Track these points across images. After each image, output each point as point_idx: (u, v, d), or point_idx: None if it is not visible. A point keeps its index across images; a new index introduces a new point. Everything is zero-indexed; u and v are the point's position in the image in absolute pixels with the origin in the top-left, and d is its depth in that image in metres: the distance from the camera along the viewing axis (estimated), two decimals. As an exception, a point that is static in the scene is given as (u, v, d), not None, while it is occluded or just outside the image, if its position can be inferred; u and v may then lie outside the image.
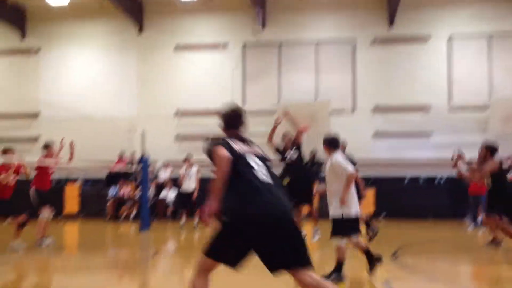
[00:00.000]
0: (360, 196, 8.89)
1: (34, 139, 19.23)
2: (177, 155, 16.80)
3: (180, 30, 19.98)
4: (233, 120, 4.41)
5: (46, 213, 9.70)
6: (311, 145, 18.70)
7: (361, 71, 19.07)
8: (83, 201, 18.51)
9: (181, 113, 19.66)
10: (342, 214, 6.35)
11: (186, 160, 14.50)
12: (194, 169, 14.36)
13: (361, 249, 6.60)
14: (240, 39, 19.72)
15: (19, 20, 20.11)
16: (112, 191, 17.98)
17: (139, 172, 14.95)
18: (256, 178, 3.92)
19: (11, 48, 20.33)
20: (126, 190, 17.90)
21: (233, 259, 3.89)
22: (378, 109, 18.83)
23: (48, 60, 20.18)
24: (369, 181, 18.34)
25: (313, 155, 18.73)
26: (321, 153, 18.70)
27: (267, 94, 19.24)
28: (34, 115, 19.25)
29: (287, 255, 3.74)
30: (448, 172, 15.35)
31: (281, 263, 3.76)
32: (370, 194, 17.99)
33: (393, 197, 17.23)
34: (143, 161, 14.19)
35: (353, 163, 10.46)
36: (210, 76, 19.66)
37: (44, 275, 7.71)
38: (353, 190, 6.47)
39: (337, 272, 6.37)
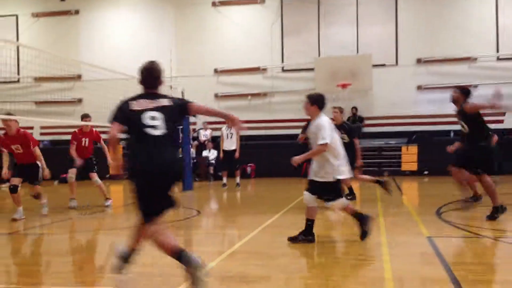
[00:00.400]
0: (353, 166, 9.17)
1: (78, 101, 19.60)
2: (217, 114, 16.77)
3: (218, -15, 19.68)
4: (143, 79, 4.59)
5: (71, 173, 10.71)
6: (352, 101, 18.44)
7: (404, 22, 18.42)
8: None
9: (220, 71, 19.56)
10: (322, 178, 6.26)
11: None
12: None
13: (349, 212, 6.43)
14: (278, -7, 19.29)
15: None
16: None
17: (179, 132, 15.04)
18: (145, 136, 4.30)
19: (51, 10, 20.50)
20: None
21: (168, 202, 4.39)
22: (422, 62, 18.24)
23: (87, 21, 20.29)
24: (413, 136, 18.00)
25: (355, 111, 18.45)
26: (361, 109, 18.51)
27: (306, 49, 18.89)
28: (77, 77, 19.52)
29: (161, 202, 4.36)
30: (495, 125, 14.84)
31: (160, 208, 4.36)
32: (413, 150, 17.67)
33: (438, 152, 16.82)
34: (184, 121, 14.24)
35: (353, 131, 10.23)
36: (248, 32, 19.40)
37: (88, 234, 7.92)
38: (331, 159, 6.16)
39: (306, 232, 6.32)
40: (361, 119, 18.53)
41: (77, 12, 20.34)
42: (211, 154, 17.73)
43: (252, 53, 19.29)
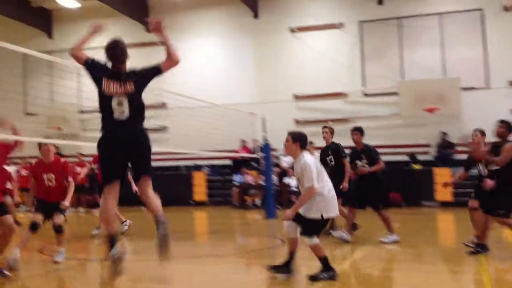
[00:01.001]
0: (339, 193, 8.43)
1: (163, 128, 20.23)
2: (298, 140, 16.65)
3: (295, 12, 19.80)
4: (108, 55, 5.22)
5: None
6: (440, 126, 17.71)
7: (493, 41, 17.58)
8: (210, 188, 19.16)
9: (299, 97, 19.54)
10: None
11: (310, 146, 14.21)
12: (317, 154, 14.09)
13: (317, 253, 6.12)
14: (357, 18, 19.12)
15: (142, 14, 21.13)
16: (237, 178, 18.40)
17: (261, 159, 15.08)
18: (111, 118, 5.10)
19: (137, 42, 21.43)
20: (250, 177, 18.20)
21: (122, 173, 5.23)
22: (515, 84, 17.27)
23: (171, 52, 21.00)
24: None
25: (444, 136, 17.67)
26: (451, 134, 17.70)
27: (388, 73, 18.47)
28: (162, 105, 20.18)
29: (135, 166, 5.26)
30: None
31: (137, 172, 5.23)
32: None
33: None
34: (265, 147, 14.29)
35: (341, 151, 9.81)
36: (327, 57, 19.30)
37: (175, 262, 7.99)
38: (319, 196, 5.93)
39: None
40: (451, 145, 17.69)
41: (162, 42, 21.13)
42: (292, 180, 17.61)
43: (332, 78, 19.13)
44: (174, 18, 21.05)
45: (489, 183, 7.10)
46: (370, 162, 9.13)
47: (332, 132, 9.86)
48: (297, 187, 16.78)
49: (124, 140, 5.11)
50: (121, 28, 21.53)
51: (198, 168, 19.86)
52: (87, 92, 20.39)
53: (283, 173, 18.20)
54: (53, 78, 19.23)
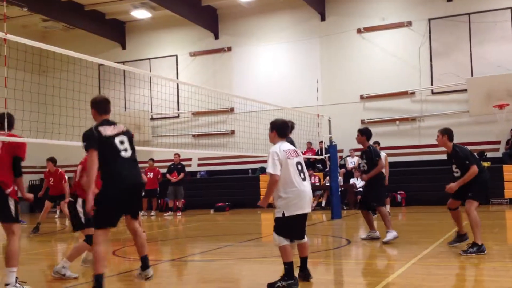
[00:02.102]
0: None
1: (231, 133, 20.74)
2: (364, 141, 16.58)
3: (362, 12, 19.78)
4: (102, 107, 5.66)
5: None
6: (511, 123, 17.13)
7: None
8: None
9: (366, 97, 19.46)
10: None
11: (375, 145, 14.12)
12: (383, 154, 13.99)
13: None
14: (425, 15, 18.84)
15: (212, 22, 21.77)
16: (303, 180, 18.56)
17: (327, 160, 15.19)
18: (118, 157, 5.37)
19: (206, 49, 22.12)
20: (315, 178, 18.33)
21: (116, 221, 5.47)
22: None
23: (239, 57, 21.52)
24: None
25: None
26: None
27: (457, 70, 18.06)
28: (230, 110, 20.70)
29: (134, 208, 5.58)
30: None
31: (134, 213, 5.56)
32: None
33: None
34: (331, 149, 14.39)
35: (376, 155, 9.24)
36: (395, 56, 19.14)
37: (242, 263, 8.28)
38: (281, 192, 5.58)
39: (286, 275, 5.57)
40: (523, 143, 17.11)
41: (229, 49, 21.68)
42: (358, 181, 17.57)
43: (399, 77, 18.94)
44: (242, 24, 21.58)
45: None
46: (370, 163, 9.30)
47: (363, 134, 9.56)
48: (362, 187, 16.70)
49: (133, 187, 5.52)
50: (190, 36, 22.34)
51: (264, 171, 20.19)
52: (157, 99, 21.41)
53: (349, 173, 18.20)
54: (126, 87, 20.25)
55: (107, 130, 5.45)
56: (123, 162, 5.41)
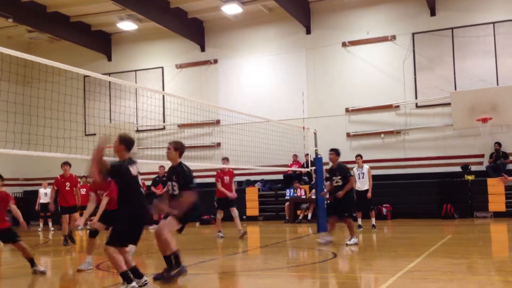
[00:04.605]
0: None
1: (217, 145, 20.70)
2: (349, 153, 16.73)
3: (347, 26, 19.96)
4: (131, 145, 6.37)
5: None
6: (495, 136, 17.34)
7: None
8: (262, 203, 19.44)
9: (351, 110, 19.57)
10: None
11: (357, 158, 14.23)
12: (366, 167, 14.09)
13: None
14: (409, 30, 19.07)
15: (198, 35, 21.81)
16: (288, 193, 18.57)
17: (313, 173, 15.21)
18: (140, 191, 6.45)
19: (192, 61, 22.12)
20: (301, 191, 18.34)
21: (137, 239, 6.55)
22: None
23: (225, 69, 21.55)
24: None
25: (498, 147, 17.28)
26: (505, 144, 17.34)
27: (441, 84, 18.28)
28: (216, 122, 20.68)
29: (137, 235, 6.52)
30: None
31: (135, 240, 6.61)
32: None
33: None
34: (317, 161, 14.41)
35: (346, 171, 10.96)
36: (379, 70, 19.33)
37: (229, 276, 8.23)
38: None
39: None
40: (505, 155, 17.31)
41: (215, 61, 21.71)
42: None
43: (384, 90, 19.10)
44: (228, 37, 21.64)
45: None
46: (344, 179, 10.76)
47: (338, 154, 11.09)
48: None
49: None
50: (176, 48, 22.35)
51: (250, 183, 20.18)
52: (143, 111, 21.26)
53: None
54: (112, 99, 20.14)
55: (134, 170, 6.38)
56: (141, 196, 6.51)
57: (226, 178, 13.03)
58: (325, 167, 13.99)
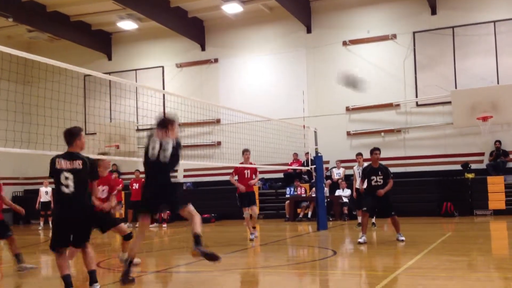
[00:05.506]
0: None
1: (217, 144, 20.70)
2: (349, 152, 16.75)
3: (347, 25, 19.97)
4: (64, 138, 6.04)
5: None
6: (495, 134, 17.35)
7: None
8: (262, 202, 19.43)
9: (351, 109, 19.57)
10: None
11: (358, 157, 14.19)
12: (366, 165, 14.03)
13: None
14: (410, 28, 19.08)
15: (199, 34, 21.82)
16: (289, 191, 18.59)
17: (313, 171, 15.22)
18: (60, 192, 5.80)
19: (193, 60, 22.14)
20: (301, 189, 18.36)
21: (69, 240, 5.90)
22: None
23: (226, 68, 21.56)
24: None
25: (499, 145, 17.28)
26: (505, 142, 17.35)
27: (441, 82, 18.27)
28: (216, 121, 20.69)
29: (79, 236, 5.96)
30: None
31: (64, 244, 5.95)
32: None
33: None
34: (317, 160, 14.42)
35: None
36: (380, 69, 19.32)
37: (229, 273, 8.25)
38: None
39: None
40: (505, 154, 17.33)
41: (216, 60, 21.73)
42: (344, 193, 17.63)
43: (384, 89, 19.09)
44: (228, 36, 21.65)
45: None
46: (385, 179, 10.55)
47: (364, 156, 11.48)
48: (348, 198, 16.70)
49: None
50: (177, 48, 22.36)
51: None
52: (143, 110, 21.19)
53: (335, 185, 18.25)
54: (112, 98, 20.16)
55: (59, 163, 6.06)
56: (63, 197, 6.03)
57: (247, 172, 12.18)
58: (353, 165, 14.12)
